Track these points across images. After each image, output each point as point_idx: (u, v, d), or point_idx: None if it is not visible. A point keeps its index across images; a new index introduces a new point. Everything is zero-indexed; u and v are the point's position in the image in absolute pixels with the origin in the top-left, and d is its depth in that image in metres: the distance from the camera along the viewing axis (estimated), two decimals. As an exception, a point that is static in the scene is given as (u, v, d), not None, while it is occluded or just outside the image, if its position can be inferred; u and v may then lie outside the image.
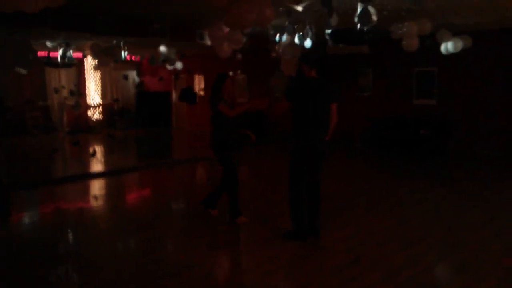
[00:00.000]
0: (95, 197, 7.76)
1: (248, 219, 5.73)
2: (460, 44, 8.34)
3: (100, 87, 18.48)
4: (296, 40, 8.11)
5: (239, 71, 15.51)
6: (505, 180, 8.48)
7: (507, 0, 7.12)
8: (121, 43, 10.63)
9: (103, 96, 18.54)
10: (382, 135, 12.20)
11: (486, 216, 6.05)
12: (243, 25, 4.94)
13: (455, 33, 8.56)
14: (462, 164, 10.22)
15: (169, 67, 11.60)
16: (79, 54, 14.27)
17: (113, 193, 8.22)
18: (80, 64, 17.02)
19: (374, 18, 6.25)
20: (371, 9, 5.93)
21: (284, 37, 8.40)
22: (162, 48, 10.29)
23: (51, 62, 12.49)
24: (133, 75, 19.19)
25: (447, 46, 8.36)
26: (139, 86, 19.43)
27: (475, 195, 7.29)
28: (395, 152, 11.55)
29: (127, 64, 17.07)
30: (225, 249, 5.07)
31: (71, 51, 11.57)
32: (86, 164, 10.30)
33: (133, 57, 16.89)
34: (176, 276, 4.22)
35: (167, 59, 10.98)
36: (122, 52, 10.70)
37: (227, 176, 5.70)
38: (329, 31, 7.29)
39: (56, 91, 13.66)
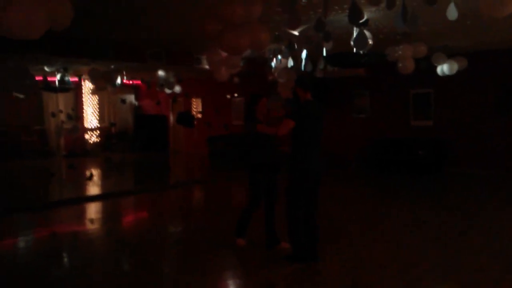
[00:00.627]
0: (91, 221, 7.68)
1: (244, 243, 5.59)
2: (455, 66, 8.43)
3: (97, 110, 18.53)
4: (291, 63, 8.18)
5: (236, 94, 15.60)
6: (502, 200, 8.45)
7: (499, 22, 7.21)
8: (117, 68, 10.70)
9: (101, 119, 18.58)
10: (379, 156, 12.20)
11: (484, 237, 6.00)
12: (237, 50, 4.99)
13: (450, 55, 8.66)
14: (458, 184, 10.20)
15: (167, 91, 11.67)
16: (75, 79, 14.34)
17: (109, 217, 8.14)
18: (77, 88, 17.10)
19: (370, 42, 6.33)
20: (367, 33, 6.00)
21: (280, 61, 8.48)
22: (160, 73, 10.36)
23: (48, 86, 12.53)
24: (131, 98, 19.27)
25: (443, 69, 8.44)
26: (137, 109, 19.50)
27: (473, 216, 7.24)
28: (392, 173, 11.54)
29: (125, 88, 17.14)
30: (222, 273, 4.99)
31: (68, 76, 11.64)
32: (83, 188, 10.23)
33: (131, 81, 16.99)
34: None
35: (165, 83, 11.04)
36: (119, 77, 10.75)
37: (249, 197, 5.53)
38: (325, 54, 7.36)
39: (53, 115, 13.67)
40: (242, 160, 5.59)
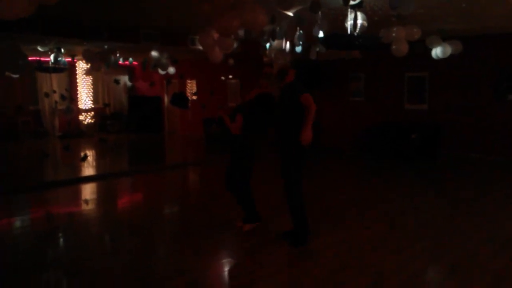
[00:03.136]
0: (86, 201, 7.72)
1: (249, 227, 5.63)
2: (449, 50, 8.41)
3: (91, 91, 18.44)
4: (287, 45, 8.14)
5: (230, 76, 15.53)
6: (496, 184, 8.53)
7: (494, 6, 7.18)
8: (110, 48, 10.63)
9: (95, 100, 18.50)
10: (373, 140, 12.23)
11: (477, 220, 6.08)
12: (229, 31, 4.97)
13: (445, 38, 8.63)
14: (453, 168, 10.27)
15: (161, 72, 11.60)
16: (69, 59, 14.23)
17: (104, 198, 8.18)
18: (71, 68, 16.98)
19: (365, 23, 6.30)
20: (361, 15, 5.96)
21: (275, 42, 8.43)
22: (154, 53, 10.29)
23: (42, 67, 12.44)
24: (124, 79, 19.17)
25: (437, 52, 8.43)
26: (131, 90, 19.40)
27: (466, 199, 7.32)
28: (386, 156, 11.59)
29: (119, 68, 17.03)
30: (215, 255, 5.05)
31: (62, 56, 11.55)
32: (77, 169, 10.24)
33: (125, 62, 16.87)
34: (166, 281, 4.21)
35: (159, 64, 10.97)
36: (113, 58, 10.69)
37: (237, 181, 5.58)
38: (320, 36, 7.32)
39: (47, 95, 13.59)
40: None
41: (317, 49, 8.15)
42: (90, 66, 11.53)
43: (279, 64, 5.51)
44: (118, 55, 11.33)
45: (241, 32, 7.14)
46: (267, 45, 8.52)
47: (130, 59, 13.44)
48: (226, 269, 4.68)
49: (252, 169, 5.59)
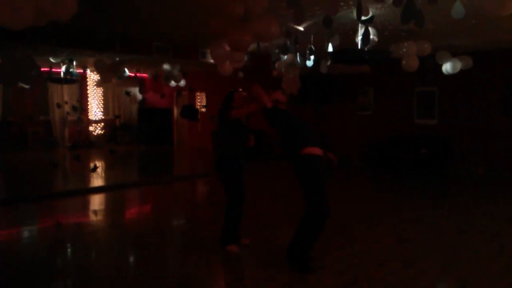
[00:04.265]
0: (95, 212, 7.75)
1: (238, 250, 5.33)
2: (459, 65, 8.42)
3: (102, 102, 18.61)
4: (298, 59, 8.20)
5: (240, 89, 15.58)
6: (505, 199, 8.47)
7: (503, 22, 7.20)
8: (122, 60, 10.73)
9: (105, 111, 18.66)
10: (382, 154, 12.21)
11: (487, 235, 6.04)
12: (242, 46, 5.01)
13: (454, 53, 8.64)
14: (462, 182, 10.20)
15: (172, 85, 11.69)
16: (81, 70, 14.40)
17: (113, 209, 8.21)
18: (82, 79, 17.17)
19: (375, 38, 6.34)
20: (372, 30, 6.01)
21: (286, 56, 8.50)
22: (166, 66, 10.38)
23: (54, 77, 12.59)
24: (135, 91, 19.34)
25: (447, 67, 8.44)
26: (141, 102, 19.54)
27: (476, 213, 7.27)
28: (395, 171, 11.55)
29: (130, 80, 17.20)
30: (224, 268, 5.05)
31: (74, 67, 11.69)
32: (87, 179, 10.31)
33: (136, 74, 17.04)
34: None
35: (170, 76, 11.07)
36: (125, 70, 10.80)
37: (228, 196, 5.34)
38: (330, 50, 7.38)
39: (59, 106, 13.74)
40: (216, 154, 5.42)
41: (328, 63, 8.19)
42: (101, 77, 11.64)
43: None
44: (131, 67, 11.42)
45: (252, 46, 7.19)
46: (283, 57, 8.57)
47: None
48: (235, 281, 4.67)
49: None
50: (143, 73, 18.30)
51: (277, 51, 8.55)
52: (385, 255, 5.25)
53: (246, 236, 5.69)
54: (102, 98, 18.60)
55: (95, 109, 18.39)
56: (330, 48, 7.21)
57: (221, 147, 5.37)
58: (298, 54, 8.20)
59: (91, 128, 18.21)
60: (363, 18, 5.68)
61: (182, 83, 11.88)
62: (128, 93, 12.88)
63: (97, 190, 9.29)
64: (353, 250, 5.42)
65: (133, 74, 13.90)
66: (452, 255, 5.26)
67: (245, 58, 6.97)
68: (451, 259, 5.14)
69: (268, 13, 5.06)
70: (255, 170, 11.42)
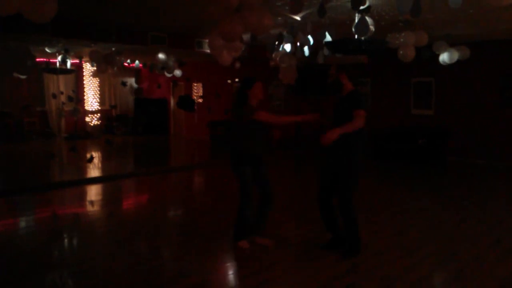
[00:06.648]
0: (91, 203, 7.75)
1: (248, 246, 5.13)
2: (456, 55, 8.40)
3: (98, 93, 18.54)
4: (294, 49, 8.16)
5: (237, 79, 15.57)
6: (502, 189, 8.51)
7: (501, 11, 7.19)
8: (118, 50, 10.68)
9: (101, 102, 18.59)
10: (379, 145, 12.22)
11: (484, 225, 6.07)
12: (235, 37, 4.98)
13: (452, 44, 8.63)
14: (460, 173, 10.25)
15: (168, 75, 11.65)
16: (77, 61, 14.33)
17: (109, 199, 8.21)
18: (78, 70, 17.08)
19: (372, 28, 6.31)
20: (369, 20, 5.98)
21: (282, 46, 8.46)
22: (161, 56, 10.33)
23: (49, 68, 12.52)
24: (131, 81, 19.25)
25: (443, 57, 8.43)
26: (137, 92, 19.46)
27: (473, 204, 7.30)
28: (393, 161, 11.57)
29: (126, 70, 17.12)
30: (222, 257, 5.06)
31: (70, 58, 11.63)
32: (83, 170, 10.29)
33: (132, 64, 16.97)
34: (171, 283, 4.22)
35: (166, 67, 11.03)
36: (121, 60, 10.75)
37: (240, 193, 5.04)
38: (326, 40, 7.34)
39: (54, 96, 13.68)
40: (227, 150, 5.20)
41: (325, 53, 8.17)
42: (97, 68, 11.59)
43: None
44: (128, 58, 11.39)
45: (246, 36, 7.14)
46: (280, 47, 8.53)
47: (137, 61, 13.50)
48: (232, 271, 4.69)
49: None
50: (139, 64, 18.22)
51: (276, 42, 8.50)
52: (382, 245, 5.27)
53: (268, 237, 5.30)
54: (98, 88, 18.52)
55: (91, 100, 18.32)
56: (327, 38, 7.18)
57: (235, 144, 5.04)
58: (294, 43, 8.16)
59: (87, 119, 18.15)
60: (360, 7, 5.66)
61: (178, 73, 11.83)
62: (124, 84, 12.83)
63: (94, 180, 9.28)
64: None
65: (131, 65, 13.82)
66: (450, 245, 5.29)
67: (243, 46, 6.93)
68: (449, 249, 5.17)
69: (262, 4, 5.01)
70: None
